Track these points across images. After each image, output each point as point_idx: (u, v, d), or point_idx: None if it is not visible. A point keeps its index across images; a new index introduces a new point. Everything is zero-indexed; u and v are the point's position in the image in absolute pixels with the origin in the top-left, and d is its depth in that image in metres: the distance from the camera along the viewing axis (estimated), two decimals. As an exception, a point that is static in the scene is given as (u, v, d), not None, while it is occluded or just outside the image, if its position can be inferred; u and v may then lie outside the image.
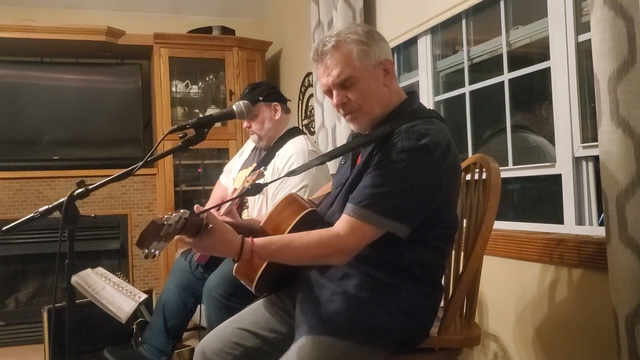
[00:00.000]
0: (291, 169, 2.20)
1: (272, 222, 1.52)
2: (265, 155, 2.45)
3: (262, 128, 2.41)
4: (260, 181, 2.26)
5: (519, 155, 2.06)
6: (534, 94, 2.08)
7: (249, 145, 2.65)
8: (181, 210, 1.14)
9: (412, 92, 1.54)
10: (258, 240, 1.29)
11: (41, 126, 3.77)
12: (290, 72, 4.12)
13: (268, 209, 2.27)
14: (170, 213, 1.12)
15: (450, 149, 1.38)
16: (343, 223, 1.33)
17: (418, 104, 1.51)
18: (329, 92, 1.46)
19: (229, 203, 1.82)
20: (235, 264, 1.49)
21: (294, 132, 2.44)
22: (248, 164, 2.51)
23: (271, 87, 2.48)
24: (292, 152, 2.29)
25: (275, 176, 2.29)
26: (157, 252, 1.12)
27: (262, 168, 2.30)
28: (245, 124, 2.47)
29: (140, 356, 2.45)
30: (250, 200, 2.39)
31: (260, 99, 2.37)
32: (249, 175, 1.99)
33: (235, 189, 2.37)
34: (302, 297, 1.45)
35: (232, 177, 2.56)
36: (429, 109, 1.55)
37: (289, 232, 1.45)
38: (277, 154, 2.36)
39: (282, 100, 2.46)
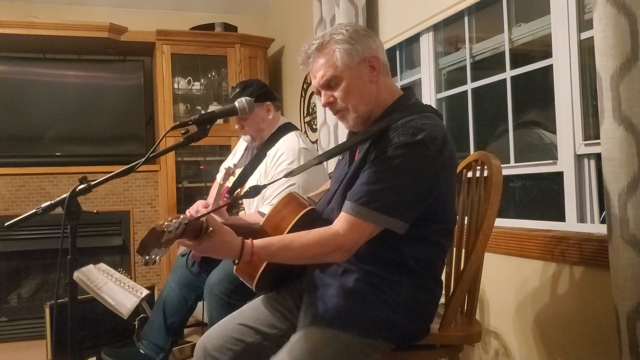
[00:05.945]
0: (280, 168, 2.20)
1: (272, 221, 1.51)
2: (255, 154, 2.40)
3: (256, 129, 2.37)
4: (258, 182, 2.27)
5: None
6: (536, 92, 2.08)
7: (242, 144, 2.61)
8: (181, 216, 1.14)
9: (408, 88, 1.54)
10: (258, 242, 1.29)
11: (43, 122, 3.78)
12: (293, 69, 4.11)
13: (259, 208, 2.26)
14: (170, 219, 1.12)
15: (447, 143, 1.38)
16: (342, 221, 1.33)
17: (414, 99, 1.51)
18: (318, 93, 1.50)
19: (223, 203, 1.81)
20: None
21: (285, 129, 2.39)
22: (242, 163, 2.49)
23: (262, 85, 2.42)
24: (283, 150, 2.26)
25: (266, 176, 2.27)
26: (157, 258, 1.14)
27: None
28: (236, 125, 2.40)
29: (138, 354, 2.46)
30: (245, 200, 2.37)
31: (252, 99, 2.34)
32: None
33: (227, 187, 2.35)
34: (307, 299, 1.45)
35: None
36: (425, 103, 1.55)
37: (289, 231, 1.45)
38: (267, 153, 2.32)
39: (273, 99, 2.42)
